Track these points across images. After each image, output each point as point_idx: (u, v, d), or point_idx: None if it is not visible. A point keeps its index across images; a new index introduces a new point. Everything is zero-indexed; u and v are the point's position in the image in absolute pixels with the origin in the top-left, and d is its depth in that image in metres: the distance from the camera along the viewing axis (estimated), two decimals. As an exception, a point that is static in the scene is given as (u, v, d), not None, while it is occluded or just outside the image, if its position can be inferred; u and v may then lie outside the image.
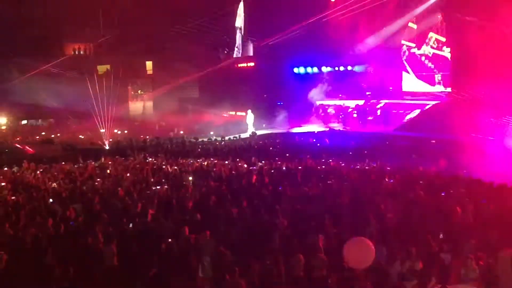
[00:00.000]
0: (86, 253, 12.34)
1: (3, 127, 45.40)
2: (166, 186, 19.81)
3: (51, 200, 17.77)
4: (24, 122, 48.00)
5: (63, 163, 26.44)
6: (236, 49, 46.36)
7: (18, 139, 38.11)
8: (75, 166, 25.59)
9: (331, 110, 40.98)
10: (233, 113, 43.04)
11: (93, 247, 12.54)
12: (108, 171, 23.61)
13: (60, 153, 30.95)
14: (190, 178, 20.94)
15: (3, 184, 20.74)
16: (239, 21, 45.28)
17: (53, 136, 39.91)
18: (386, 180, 19.84)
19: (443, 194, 17.16)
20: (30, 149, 33.27)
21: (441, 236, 12.89)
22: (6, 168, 24.72)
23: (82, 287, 11.15)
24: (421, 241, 12.31)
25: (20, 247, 12.69)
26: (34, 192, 18.71)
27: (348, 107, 39.72)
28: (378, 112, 38.18)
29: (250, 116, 39.23)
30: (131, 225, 14.52)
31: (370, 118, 38.04)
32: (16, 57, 41.57)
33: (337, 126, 38.07)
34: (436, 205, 15.46)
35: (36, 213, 15.48)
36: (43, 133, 42.09)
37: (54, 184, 20.60)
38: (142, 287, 11.48)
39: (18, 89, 41.91)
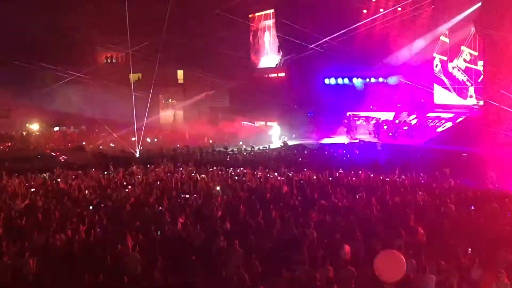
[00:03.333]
0: (115, 260, 12.41)
1: (36, 134, 45.98)
2: (195, 195, 19.85)
3: (81, 206, 17.92)
4: (56, 128, 48.54)
5: (94, 170, 26.65)
6: (267, 59, 46.47)
7: (50, 145, 38.53)
8: (106, 173, 25.78)
9: (361, 122, 40.76)
10: (263, 123, 43.09)
11: (122, 255, 12.61)
12: (139, 179, 23.73)
13: (91, 160, 31.21)
14: (219, 187, 20.96)
15: (33, 190, 20.95)
16: (271, 32, 45.39)
17: (84, 143, 40.27)
18: (417, 193, 19.65)
19: (472, 208, 16.98)
20: (62, 156, 33.61)
21: (469, 250, 12.76)
22: (38, 174, 25.00)
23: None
24: (452, 255, 12.20)
25: (50, 253, 12.80)
26: (65, 199, 18.88)
27: (379, 119, 39.48)
28: (410, 124, 37.90)
29: (275, 128, 39.30)
30: (159, 233, 14.58)
31: (401, 130, 37.76)
32: (49, 64, 42.12)
33: (367, 138, 37.84)
34: (467, 219, 15.30)
35: (67, 220, 15.62)
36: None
37: (86, 191, 20.77)
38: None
39: (50, 96, 42.47)
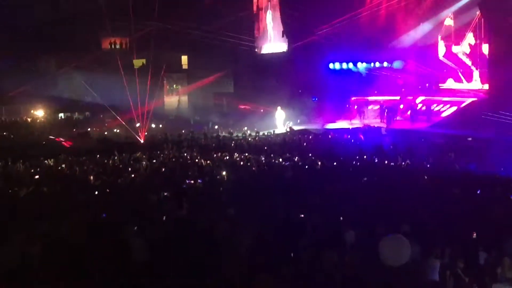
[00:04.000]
0: (120, 246, 12.41)
1: (41, 120, 46.04)
2: (200, 181, 19.86)
3: (86, 192, 17.95)
4: (61, 115, 48.60)
5: (98, 156, 26.69)
6: (271, 44, 46.34)
7: (55, 132, 38.56)
8: (111, 159, 25.82)
9: (366, 107, 40.68)
10: (268, 108, 43.04)
11: (127, 240, 12.61)
12: (143, 164, 23.76)
13: (96, 146, 31.24)
14: (224, 172, 20.98)
15: (37, 177, 20.99)
16: (275, 16, 45.25)
17: (89, 129, 40.31)
18: (422, 177, 19.64)
19: (478, 192, 16.95)
20: (66, 142, 33.65)
21: (474, 235, 12.75)
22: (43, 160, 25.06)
23: (116, 280, 11.21)
24: (457, 239, 12.18)
25: (55, 238, 12.81)
26: (70, 185, 18.91)
27: (384, 104, 39.38)
28: (414, 108, 37.82)
29: (280, 113, 39.27)
30: (164, 218, 14.59)
31: (405, 114, 37.70)
32: (53, 51, 42.12)
33: (371, 122, 37.80)
34: (472, 203, 15.28)
35: (71, 206, 15.63)
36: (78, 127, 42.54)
37: (90, 177, 20.80)
38: (176, 280, 11.49)
39: (55, 83, 42.50)
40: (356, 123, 38.28)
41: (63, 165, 23.84)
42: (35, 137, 36.72)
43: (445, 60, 38.33)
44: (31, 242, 12.02)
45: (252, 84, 43.22)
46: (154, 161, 24.69)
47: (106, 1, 41.09)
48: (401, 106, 38.49)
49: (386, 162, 23.61)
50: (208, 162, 24.05)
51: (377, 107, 39.81)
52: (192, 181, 20.00)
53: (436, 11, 37.42)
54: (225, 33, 43.23)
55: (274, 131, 36.47)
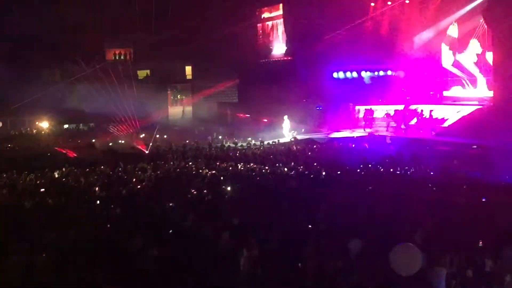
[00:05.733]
0: (126, 257, 12.39)
1: (46, 132, 46.12)
2: (205, 191, 19.83)
3: (91, 204, 17.93)
4: (66, 126, 48.71)
5: (103, 167, 26.69)
6: (275, 53, 46.42)
7: (59, 143, 38.61)
8: (116, 170, 25.81)
9: (371, 115, 40.66)
10: (272, 117, 43.07)
11: (133, 251, 12.58)
12: (148, 175, 23.75)
13: (100, 157, 31.25)
14: (229, 183, 20.94)
15: (42, 190, 20.97)
16: (279, 26, 45.34)
17: (94, 140, 40.37)
18: (427, 186, 19.59)
19: (484, 200, 16.90)
20: (71, 153, 33.68)
21: (480, 243, 12.70)
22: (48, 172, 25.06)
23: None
24: (463, 247, 12.13)
25: (60, 250, 12.79)
26: (75, 196, 18.90)
27: (388, 112, 39.37)
28: (419, 117, 37.78)
29: (286, 122, 39.30)
30: (170, 230, 14.56)
31: (410, 123, 37.66)
32: (57, 62, 42.24)
33: (376, 131, 37.77)
34: (478, 211, 15.22)
35: (76, 217, 15.61)
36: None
37: (96, 188, 20.79)
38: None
39: (60, 95, 42.58)
40: (361, 131, 38.26)
41: (68, 177, 23.84)
42: (40, 148, 36.76)
43: (449, 68, 38.32)
44: (36, 254, 12.02)
45: (257, 94, 43.22)
46: (159, 172, 24.67)
47: (110, 13, 41.26)
48: (406, 114, 38.45)
49: (391, 170, 23.56)
50: (213, 172, 24.03)
51: (382, 115, 39.78)
52: (197, 192, 19.98)
53: (439, 19, 37.47)
54: (229, 43, 43.32)
55: (278, 140, 36.46)
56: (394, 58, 39.41)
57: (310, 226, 14.18)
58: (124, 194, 19.43)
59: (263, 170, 24.29)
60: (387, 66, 40.65)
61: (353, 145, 33.34)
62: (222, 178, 22.33)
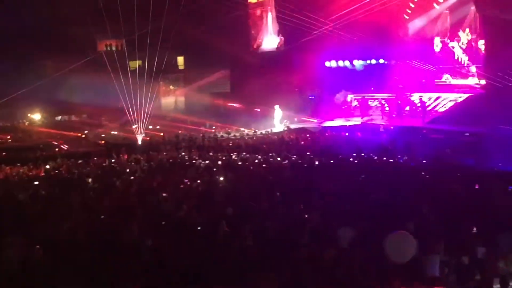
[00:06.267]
0: (121, 248, 12.39)
1: (38, 123, 45.99)
2: (198, 181, 19.84)
3: (85, 195, 17.92)
4: (58, 118, 48.56)
5: (96, 158, 26.67)
6: (267, 43, 46.33)
7: (52, 135, 38.55)
8: (109, 161, 25.79)
9: (366, 104, 40.71)
10: (265, 107, 43.05)
11: (129, 242, 12.60)
12: (141, 166, 23.74)
13: (93, 149, 31.21)
14: (222, 172, 20.96)
15: (36, 182, 20.94)
16: (270, 15, 45.23)
17: (86, 132, 40.28)
18: (420, 173, 19.65)
19: (477, 187, 16.97)
20: (64, 145, 33.63)
21: (474, 229, 12.75)
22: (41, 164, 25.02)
23: (117, 282, 11.19)
24: (457, 234, 12.19)
25: (55, 241, 12.79)
26: (68, 188, 18.88)
27: (381, 101, 39.43)
28: (412, 105, 37.86)
29: (277, 112, 39.30)
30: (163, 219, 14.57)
31: (403, 111, 37.73)
32: (48, 54, 42.05)
33: (369, 119, 37.84)
34: (471, 198, 15.29)
35: (71, 208, 15.61)
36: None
37: (89, 179, 20.77)
38: (178, 281, 11.47)
39: (51, 86, 42.35)
40: (354, 120, 38.33)
41: (61, 168, 23.80)
42: (32, 140, 36.68)
43: (441, 56, 38.37)
44: (31, 246, 12.01)
45: (249, 84, 43.14)
46: (152, 162, 24.65)
47: (101, 3, 41.02)
48: (399, 102, 38.51)
49: (384, 158, 23.62)
50: (206, 162, 24.03)
51: (375, 104, 39.82)
52: (190, 182, 19.99)
53: (431, 7, 37.48)
54: (220, 32, 43.18)
55: (271, 130, 36.50)
56: (386, 47, 39.40)
57: (303, 214, 14.21)
58: (117, 185, 19.42)
59: (256, 160, 24.29)
60: (380, 54, 40.66)
61: (346, 134, 33.39)
62: (215, 168, 22.33)
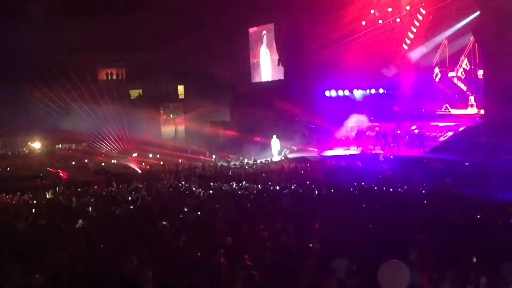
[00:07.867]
0: (120, 278, 12.34)
1: (38, 152, 46.04)
2: (198, 210, 19.80)
3: (85, 224, 17.89)
4: (59, 146, 48.64)
5: (96, 187, 26.67)
6: (267, 72, 46.56)
7: (52, 163, 38.55)
8: (108, 190, 25.78)
9: (365, 133, 40.74)
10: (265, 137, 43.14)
11: (128, 272, 12.54)
12: (141, 195, 23.71)
13: (93, 177, 31.22)
14: (222, 201, 20.93)
15: (34, 210, 20.90)
16: (270, 45, 45.50)
17: (86, 160, 40.30)
18: (420, 203, 19.62)
19: (478, 216, 16.95)
20: (64, 173, 33.64)
21: (474, 259, 12.71)
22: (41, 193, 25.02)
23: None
24: (457, 263, 12.14)
25: (55, 270, 12.75)
26: (68, 217, 18.84)
27: (380, 130, 39.46)
28: (411, 134, 37.87)
29: (275, 142, 39.36)
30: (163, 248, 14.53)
31: (402, 141, 37.73)
32: (49, 82, 42.24)
33: (369, 149, 37.83)
34: (472, 227, 15.25)
35: (71, 238, 15.57)
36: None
37: (89, 208, 20.75)
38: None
39: (52, 115, 42.51)
40: (354, 149, 38.33)
41: (61, 197, 23.78)
42: (32, 169, 36.70)
43: (440, 86, 38.55)
44: (31, 275, 11.97)
45: (249, 113, 43.29)
46: (152, 191, 24.63)
47: (103, 33, 41.34)
48: (398, 132, 38.54)
49: (384, 188, 23.59)
50: (206, 191, 24.00)
51: (374, 133, 39.86)
52: (190, 211, 19.95)
53: (430, 37, 37.73)
54: (221, 62, 43.45)
55: (271, 159, 36.52)
56: (385, 76, 39.62)
57: (304, 244, 14.17)
58: (117, 214, 19.39)
59: (255, 190, 24.26)
60: (379, 84, 40.85)
61: (345, 163, 33.39)
62: (215, 197, 22.31)
